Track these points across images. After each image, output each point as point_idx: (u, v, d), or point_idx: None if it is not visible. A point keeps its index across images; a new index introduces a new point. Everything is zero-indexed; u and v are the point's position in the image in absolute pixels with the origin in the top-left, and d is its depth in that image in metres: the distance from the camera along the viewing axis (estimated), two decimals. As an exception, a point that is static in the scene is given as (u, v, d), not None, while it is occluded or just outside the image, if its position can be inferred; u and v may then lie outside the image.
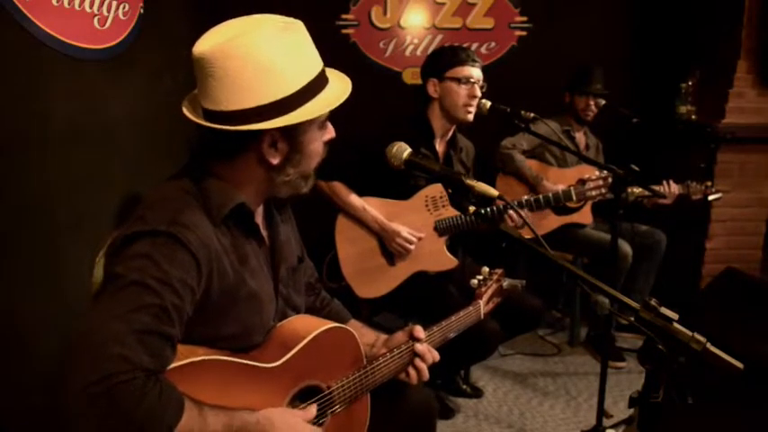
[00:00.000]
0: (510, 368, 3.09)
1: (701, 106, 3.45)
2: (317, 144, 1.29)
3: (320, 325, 1.38)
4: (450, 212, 2.44)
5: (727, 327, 2.49)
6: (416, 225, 2.42)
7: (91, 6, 1.89)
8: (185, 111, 1.26)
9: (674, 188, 3.00)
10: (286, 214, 1.51)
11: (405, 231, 2.37)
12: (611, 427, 2.31)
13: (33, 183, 1.69)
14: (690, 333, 1.06)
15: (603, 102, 3.17)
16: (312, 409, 1.29)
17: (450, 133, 2.56)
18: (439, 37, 3.58)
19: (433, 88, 2.46)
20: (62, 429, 1.01)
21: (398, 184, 2.39)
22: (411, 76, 3.56)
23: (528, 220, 1.41)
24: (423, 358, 1.49)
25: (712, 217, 3.40)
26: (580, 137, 3.31)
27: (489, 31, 3.62)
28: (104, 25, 1.97)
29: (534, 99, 2.61)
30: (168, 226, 1.12)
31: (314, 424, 1.28)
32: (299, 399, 1.32)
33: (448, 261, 2.46)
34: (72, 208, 1.86)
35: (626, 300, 1.16)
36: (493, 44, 3.63)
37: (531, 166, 3.11)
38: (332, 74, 1.30)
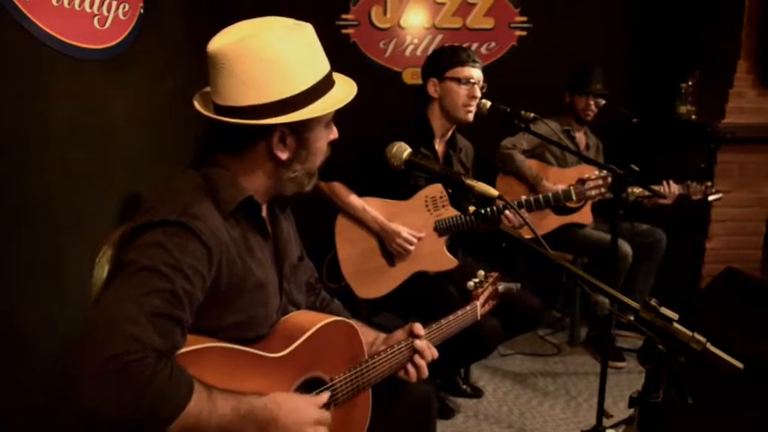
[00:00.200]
0: (510, 368, 3.09)
1: (701, 106, 3.45)
2: (323, 142, 1.33)
3: (324, 318, 1.40)
4: (450, 212, 2.44)
5: (727, 327, 2.49)
6: (416, 225, 2.42)
7: (91, 6, 1.89)
8: (197, 105, 1.30)
9: (674, 188, 2.99)
10: (286, 213, 1.52)
11: (405, 232, 2.37)
12: (611, 427, 2.31)
13: (33, 183, 1.69)
14: (690, 333, 1.06)
15: (603, 102, 3.17)
16: (324, 396, 1.31)
17: (450, 133, 2.56)
18: (439, 37, 3.58)
19: (433, 88, 2.46)
20: (68, 419, 1.01)
21: (398, 185, 2.39)
22: (411, 76, 3.56)
23: (528, 220, 1.41)
24: (422, 355, 1.51)
25: (712, 217, 3.39)
26: (580, 137, 3.31)
27: (489, 31, 3.62)
28: (104, 25, 1.97)
29: (534, 99, 2.61)
30: (179, 216, 1.15)
31: None
32: (303, 390, 1.33)
33: (448, 261, 2.46)
34: (72, 208, 1.86)
35: (626, 300, 1.16)
36: (493, 44, 3.63)
37: (531, 165, 3.11)
38: (338, 77, 1.34)
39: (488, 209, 2.39)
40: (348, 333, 1.46)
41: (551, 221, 3.08)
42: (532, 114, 2.40)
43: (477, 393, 2.83)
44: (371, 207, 2.41)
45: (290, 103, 1.22)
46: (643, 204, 3.09)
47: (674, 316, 1.08)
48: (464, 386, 2.83)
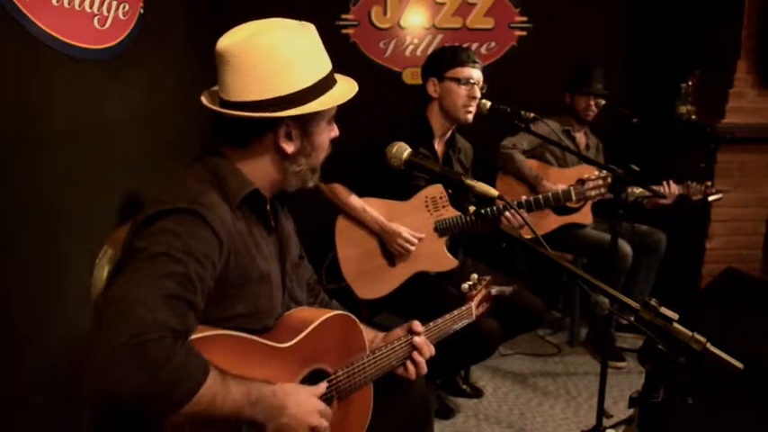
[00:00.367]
0: (510, 368, 3.09)
1: (701, 106, 3.45)
2: (326, 138, 1.38)
3: (328, 312, 1.43)
4: (451, 213, 2.44)
5: (727, 327, 2.49)
6: (416, 225, 2.41)
7: (91, 6, 1.89)
8: (204, 101, 1.35)
9: (674, 188, 2.99)
10: (285, 213, 1.54)
11: (405, 232, 2.37)
12: (611, 427, 2.31)
13: (33, 183, 1.69)
14: (690, 333, 1.06)
15: (603, 102, 3.17)
16: (322, 386, 1.33)
17: (449, 134, 2.56)
18: (439, 37, 3.58)
19: (432, 88, 2.46)
20: (87, 395, 1.05)
21: (398, 185, 2.39)
22: (411, 76, 3.56)
23: (527, 220, 1.41)
24: (420, 351, 1.53)
25: (712, 217, 3.39)
26: (580, 137, 3.31)
27: (489, 31, 3.62)
28: (104, 25, 1.97)
29: (534, 99, 2.61)
30: (190, 204, 1.18)
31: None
32: (308, 382, 1.34)
33: (448, 261, 2.46)
34: (72, 208, 1.85)
35: (626, 300, 1.17)
36: (493, 44, 3.63)
37: (531, 165, 3.11)
38: (339, 77, 1.39)
39: (488, 209, 2.39)
40: (351, 327, 1.49)
41: (551, 221, 3.08)
42: (532, 114, 2.40)
43: (477, 393, 2.83)
44: (371, 207, 2.41)
45: (295, 97, 1.26)
46: (643, 205, 3.09)
47: (674, 316, 1.09)
48: (464, 386, 2.83)
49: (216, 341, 1.18)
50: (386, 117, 2.45)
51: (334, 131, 1.41)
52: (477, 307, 1.77)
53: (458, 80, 2.41)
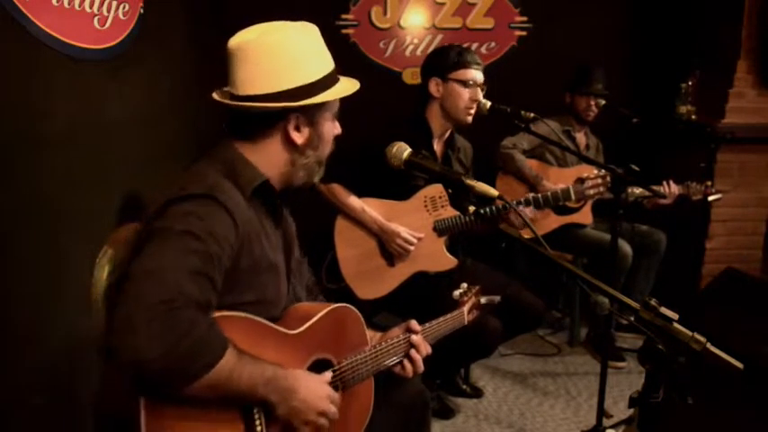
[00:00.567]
0: (510, 368, 3.09)
1: (701, 106, 3.45)
2: (331, 132, 1.44)
3: (333, 304, 1.47)
4: (450, 212, 2.44)
5: (727, 327, 2.49)
6: (415, 225, 2.41)
7: (91, 6, 1.89)
8: (216, 97, 1.40)
9: (674, 188, 2.99)
10: (288, 213, 1.56)
11: (404, 232, 2.37)
12: (611, 427, 2.31)
13: (33, 183, 1.69)
14: (690, 333, 1.06)
15: (604, 102, 3.17)
16: (327, 375, 1.36)
17: (448, 133, 2.56)
18: (439, 37, 3.58)
19: (435, 88, 2.45)
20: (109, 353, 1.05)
21: (397, 185, 2.39)
22: (411, 76, 3.56)
23: (527, 220, 1.41)
24: (418, 349, 1.56)
25: (712, 217, 3.39)
26: (580, 137, 3.31)
27: (489, 31, 3.62)
28: (104, 25, 1.97)
29: (534, 99, 2.61)
30: (207, 191, 1.23)
31: None
32: (313, 370, 1.36)
33: (447, 261, 2.46)
34: (72, 208, 1.85)
35: (626, 300, 1.17)
36: (493, 44, 3.63)
37: (531, 165, 3.11)
38: (341, 77, 1.45)
39: (488, 209, 2.39)
40: (354, 320, 1.52)
41: (551, 221, 3.08)
42: (532, 114, 2.40)
43: (477, 393, 2.83)
44: (370, 207, 2.40)
45: (303, 90, 1.33)
46: (643, 205, 3.09)
47: (674, 316, 1.09)
48: (464, 386, 2.83)
49: (231, 322, 1.21)
50: (386, 117, 2.45)
51: (338, 128, 1.46)
52: (468, 313, 1.81)
53: (463, 82, 2.40)
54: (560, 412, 2.71)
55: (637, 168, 2.17)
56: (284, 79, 1.31)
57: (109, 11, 1.99)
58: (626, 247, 3.03)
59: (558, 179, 3.05)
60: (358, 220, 2.40)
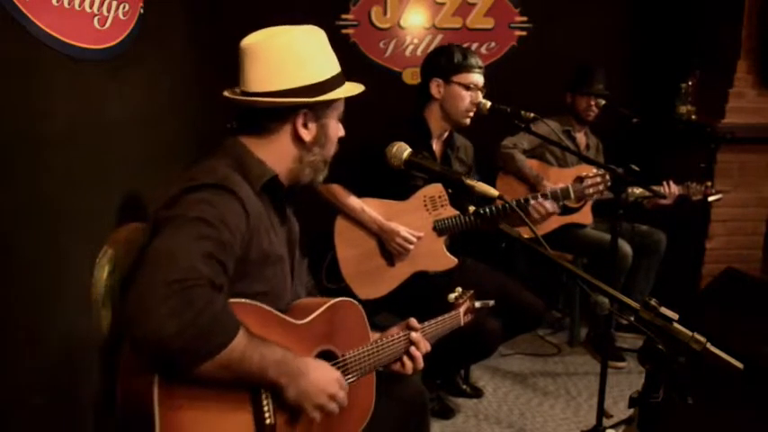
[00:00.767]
0: (510, 368, 3.09)
1: (701, 106, 3.45)
2: (336, 132, 1.48)
3: (337, 297, 1.49)
4: (449, 212, 2.44)
5: (727, 327, 2.49)
6: (415, 225, 2.41)
7: (91, 6, 1.89)
8: (227, 94, 1.44)
9: (674, 189, 2.99)
10: (290, 213, 1.57)
11: (404, 231, 2.37)
12: (611, 427, 2.31)
13: (33, 183, 1.69)
14: (690, 333, 1.06)
15: (603, 102, 3.17)
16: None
17: (447, 133, 2.56)
18: (439, 37, 3.58)
19: (436, 89, 2.44)
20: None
21: (397, 185, 2.39)
22: (411, 76, 3.56)
23: (528, 220, 1.41)
24: (417, 346, 1.58)
25: (712, 217, 3.39)
26: (581, 137, 3.31)
27: (489, 31, 3.62)
28: (104, 25, 1.97)
29: (534, 99, 2.61)
30: (220, 181, 1.26)
31: None
32: None
33: (447, 261, 2.46)
34: (72, 208, 1.85)
35: (626, 300, 1.17)
36: (493, 44, 3.63)
37: (531, 165, 3.11)
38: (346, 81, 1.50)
39: (488, 209, 2.39)
40: (357, 315, 1.54)
41: (551, 221, 3.07)
42: (532, 114, 2.40)
43: (477, 393, 2.83)
44: (370, 207, 2.40)
45: (313, 88, 1.37)
46: (643, 205, 3.09)
47: (674, 316, 1.09)
48: (464, 386, 2.83)
49: (243, 308, 1.22)
50: (385, 117, 2.44)
51: (341, 130, 1.50)
52: (464, 316, 1.82)
53: (466, 86, 2.40)
54: (560, 412, 2.71)
55: (637, 168, 2.17)
56: (295, 77, 1.36)
57: (109, 11, 1.99)
58: (626, 247, 3.03)
59: (558, 179, 3.04)
60: (357, 220, 2.40)
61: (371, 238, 2.42)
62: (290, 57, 1.36)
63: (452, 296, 1.82)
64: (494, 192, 1.37)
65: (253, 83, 1.37)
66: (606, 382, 2.22)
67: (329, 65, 1.43)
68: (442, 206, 2.44)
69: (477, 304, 1.88)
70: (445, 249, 2.46)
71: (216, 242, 1.16)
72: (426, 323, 1.67)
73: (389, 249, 2.40)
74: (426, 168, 1.52)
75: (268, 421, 1.22)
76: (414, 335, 1.57)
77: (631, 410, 1.17)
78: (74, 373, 1.85)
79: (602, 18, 3.63)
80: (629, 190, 2.97)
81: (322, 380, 1.26)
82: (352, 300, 1.52)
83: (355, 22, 3.51)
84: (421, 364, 1.58)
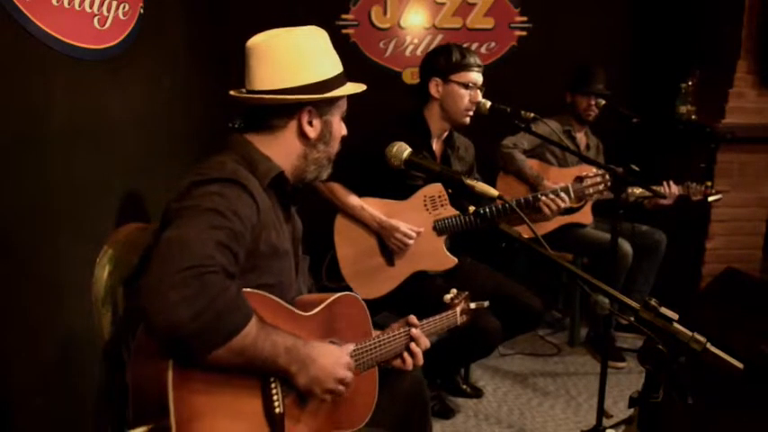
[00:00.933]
0: (510, 368, 3.09)
1: (701, 106, 3.45)
2: (339, 130, 1.51)
3: (338, 293, 1.52)
4: (449, 212, 2.44)
5: (727, 327, 2.49)
6: (415, 224, 2.41)
7: (91, 6, 1.89)
8: (233, 93, 1.48)
9: (674, 189, 2.99)
10: (294, 211, 1.60)
11: (404, 226, 2.36)
12: (611, 427, 2.31)
13: (33, 183, 1.69)
14: (690, 333, 1.06)
15: (604, 102, 3.17)
16: (350, 346, 1.42)
17: (447, 133, 2.56)
18: (439, 37, 3.58)
19: (435, 88, 2.44)
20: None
21: (397, 185, 2.39)
22: (411, 76, 3.56)
23: (527, 220, 1.41)
24: (417, 342, 1.59)
25: (712, 217, 3.39)
26: (581, 137, 3.31)
27: (489, 31, 3.62)
28: (104, 25, 1.97)
29: (534, 99, 2.61)
30: (230, 175, 1.29)
31: None
32: None
33: (447, 260, 2.46)
34: (72, 208, 1.85)
35: (626, 300, 1.17)
36: (493, 44, 3.63)
37: (531, 165, 3.11)
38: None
39: (488, 208, 2.39)
40: (361, 309, 1.56)
41: (551, 221, 3.08)
42: (532, 114, 2.39)
43: (477, 393, 2.83)
44: (370, 207, 2.40)
45: (318, 86, 1.41)
46: (643, 205, 3.09)
47: (674, 316, 1.09)
48: (464, 386, 2.83)
49: (253, 297, 1.25)
50: (385, 117, 2.45)
51: (344, 129, 1.53)
52: (461, 316, 1.83)
53: (465, 85, 2.40)
54: (560, 412, 2.72)
55: (637, 168, 2.17)
56: (300, 75, 1.39)
57: (109, 11, 1.99)
58: (626, 246, 3.03)
59: (558, 179, 3.04)
60: (357, 219, 2.40)
61: (371, 237, 2.42)
62: (295, 56, 1.40)
63: (448, 297, 1.84)
64: (494, 192, 1.37)
65: (259, 81, 1.41)
66: (606, 382, 2.22)
67: (332, 64, 1.46)
68: (442, 206, 2.44)
69: (472, 305, 1.89)
70: (445, 249, 2.46)
71: (228, 232, 1.18)
72: (425, 320, 1.68)
73: (389, 246, 2.40)
74: (426, 168, 1.52)
75: (277, 410, 1.24)
76: (414, 331, 1.59)
77: (631, 410, 1.17)
78: (74, 373, 1.85)
79: (602, 18, 3.63)
80: (629, 190, 2.97)
81: (331, 363, 1.29)
82: (356, 295, 1.54)
83: (355, 23, 3.52)
84: (421, 360, 1.59)
